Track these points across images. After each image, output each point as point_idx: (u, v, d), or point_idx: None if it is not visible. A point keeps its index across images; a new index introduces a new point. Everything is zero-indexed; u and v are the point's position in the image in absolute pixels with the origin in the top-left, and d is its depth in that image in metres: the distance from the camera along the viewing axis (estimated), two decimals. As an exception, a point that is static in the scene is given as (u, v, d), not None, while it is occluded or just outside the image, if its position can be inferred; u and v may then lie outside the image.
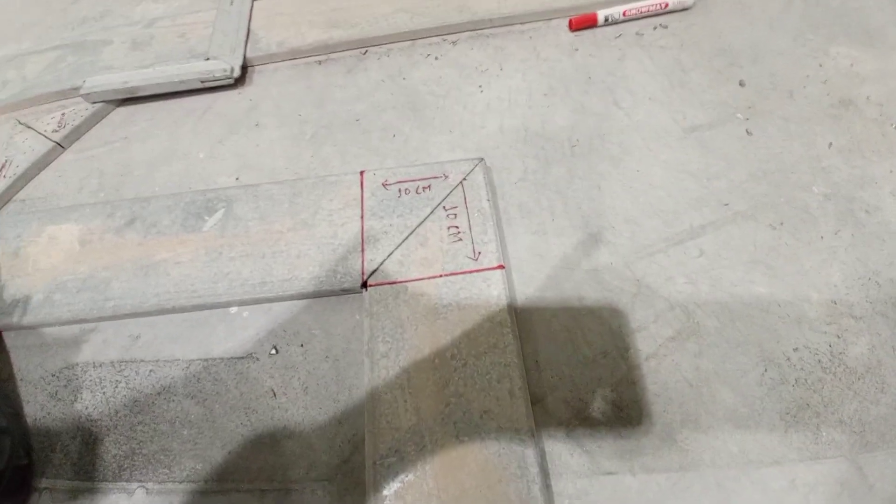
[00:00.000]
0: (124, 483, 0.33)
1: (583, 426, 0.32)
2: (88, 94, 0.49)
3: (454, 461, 0.30)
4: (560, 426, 0.32)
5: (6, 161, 0.48)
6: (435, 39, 0.53)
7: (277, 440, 0.33)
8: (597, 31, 0.52)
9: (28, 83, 0.53)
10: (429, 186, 0.40)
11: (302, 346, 0.36)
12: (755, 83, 0.47)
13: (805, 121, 0.44)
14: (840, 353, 0.34)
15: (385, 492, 0.29)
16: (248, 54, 0.51)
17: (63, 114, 0.50)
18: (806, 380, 0.33)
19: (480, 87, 0.49)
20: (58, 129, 0.49)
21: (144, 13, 0.60)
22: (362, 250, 0.37)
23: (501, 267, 0.36)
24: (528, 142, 0.44)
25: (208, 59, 0.50)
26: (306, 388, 0.35)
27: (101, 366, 0.36)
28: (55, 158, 0.49)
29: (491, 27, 0.53)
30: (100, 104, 0.50)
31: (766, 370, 0.33)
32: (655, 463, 0.31)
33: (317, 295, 0.37)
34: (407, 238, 0.37)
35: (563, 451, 0.32)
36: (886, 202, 0.39)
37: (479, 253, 0.36)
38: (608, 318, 0.35)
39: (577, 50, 0.51)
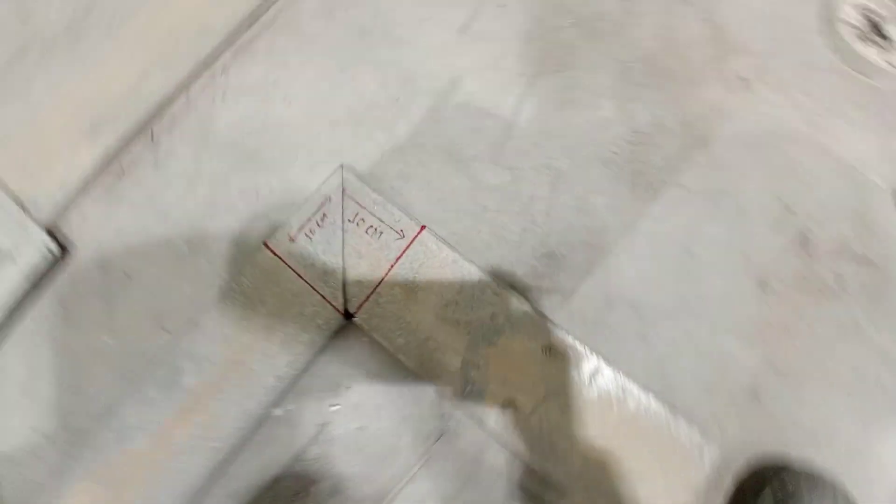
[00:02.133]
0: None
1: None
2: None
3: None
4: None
5: None
6: (204, 79, 0.51)
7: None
8: (333, -19, 0.54)
9: None
10: (324, 215, 0.45)
11: (348, 388, 0.43)
12: (477, -43, 0.55)
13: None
14: (635, 128, 0.50)
15: (485, 415, 0.42)
16: (37, 216, 0.46)
17: None
18: (631, 158, 0.50)
19: (285, 97, 0.51)
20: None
21: None
22: (319, 294, 0.43)
23: (423, 228, 0.45)
24: (362, 118, 0.50)
25: None
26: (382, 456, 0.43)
27: None
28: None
29: (247, 31, 0.52)
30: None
31: (607, 168, 0.49)
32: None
33: (318, 353, 0.43)
34: (345, 262, 0.44)
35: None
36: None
37: (402, 230, 0.45)
38: (530, 217, 0.48)
39: (334, 10, 0.53)
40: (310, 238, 0.45)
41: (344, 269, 0.44)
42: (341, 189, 0.46)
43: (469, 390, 0.42)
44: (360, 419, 0.43)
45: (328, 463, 0.43)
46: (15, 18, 0.52)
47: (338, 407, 0.43)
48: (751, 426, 0.45)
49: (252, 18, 0.53)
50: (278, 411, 0.43)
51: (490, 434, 0.42)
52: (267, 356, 0.43)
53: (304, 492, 0.42)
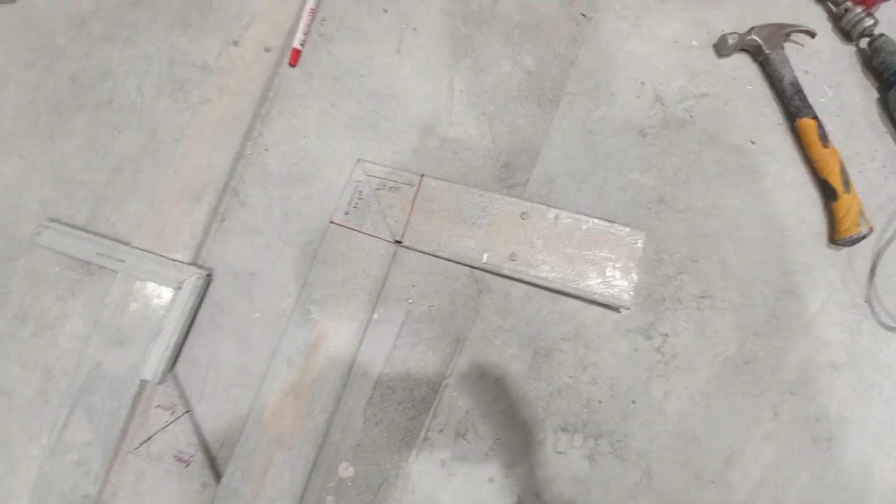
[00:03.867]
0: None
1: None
2: None
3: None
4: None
5: None
6: (251, 144, 0.78)
7: (445, 319, 0.68)
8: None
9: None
10: (360, 191, 0.71)
11: (414, 286, 0.69)
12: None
13: None
14: (527, 70, 0.77)
15: (497, 265, 0.67)
16: (184, 259, 0.72)
17: None
18: (532, 88, 0.76)
19: (304, 135, 0.77)
20: None
21: None
22: (375, 236, 0.69)
23: (423, 175, 0.71)
24: (357, 129, 0.76)
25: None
26: (433, 293, 0.68)
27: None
28: None
29: (263, 106, 0.80)
30: None
31: (519, 101, 0.76)
32: (533, 162, 0.73)
33: (388, 272, 0.69)
34: (384, 212, 0.70)
35: (512, 195, 0.72)
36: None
37: (411, 181, 0.71)
38: (484, 147, 0.74)
39: (311, 72, 0.81)
40: (357, 208, 0.71)
41: (384, 215, 0.70)
42: (363, 172, 0.72)
43: (487, 257, 0.67)
44: (429, 301, 0.68)
45: (417, 333, 0.68)
46: (103, 153, 0.79)
47: (411, 300, 0.68)
48: (661, 220, 0.70)
49: (262, 98, 0.80)
50: (376, 315, 0.68)
51: (509, 277, 0.67)
52: (358, 284, 0.68)
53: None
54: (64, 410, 0.69)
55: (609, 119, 0.74)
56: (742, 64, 0.76)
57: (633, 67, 0.77)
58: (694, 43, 0.78)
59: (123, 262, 0.72)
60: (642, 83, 0.76)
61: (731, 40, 0.74)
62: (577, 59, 0.77)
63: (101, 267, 0.73)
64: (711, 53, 0.78)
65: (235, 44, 0.82)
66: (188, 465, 0.66)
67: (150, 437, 0.67)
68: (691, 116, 0.74)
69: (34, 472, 0.67)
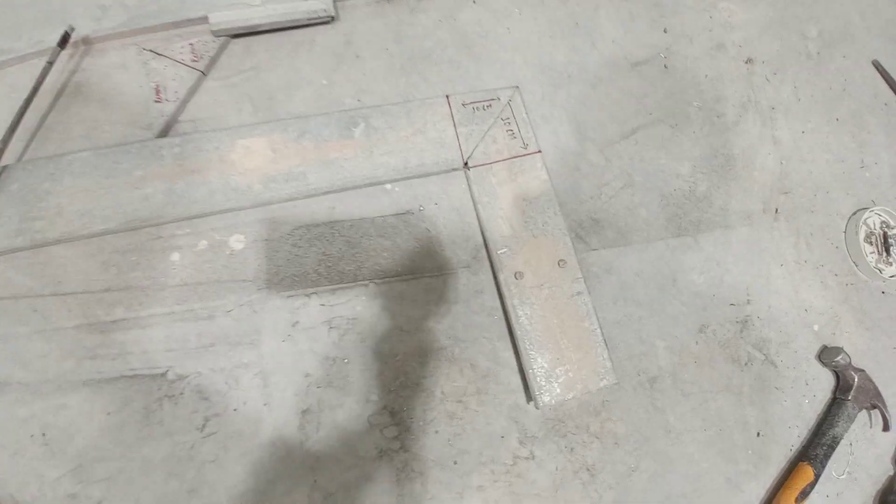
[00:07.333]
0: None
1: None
2: (216, 29, 0.66)
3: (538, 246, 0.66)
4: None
5: (158, 85, 0.66)
6: (471, -11, 0.76)
7: (433, 249, 0.66)
8: (579, -17, 0.80)
9: (136, 11, 0.67)
10: (490, 105, 0.70)
11: (436, 204, 0.67)
12: (672, 31, 0.80)
13: (696, 58, 0.79)
14: (693, 189, 0.74)
15: (503, 270, 0.65)
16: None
17: (192, 44, 0.67)
18: (678, 204, 0.73)
19: (508, 28, 0.75)
20: (196, 59, 0.67)
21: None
22: (459, 145, 0.67)
23: (539, 152, 0.69)
24: (543, 73, 0.74)
25: (307, -1, 0.69)
26: (444, 225, 0.67)
27: (318, 225, 0.64)
28: (200, 86, 0.67)
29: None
30: (222, 38, 0.68)
31: (661, 198, 0.73)
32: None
33: (437, 172, 0.67)
34: (483, 137, 0.68)
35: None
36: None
37: (527, 144, 0.69)
38: (598, 194, 0.71)
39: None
40: (473, 112, 0.69)
41: (482, 140, 0.68)
42: (509, 99, 0.70)
43: (503, 252, 0.65)
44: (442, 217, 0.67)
45: (412, 227, 0.66)
46: None
47: (422, 208, 0.67)
48: (636, 393, 0.67)
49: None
50: (388, 186, 0.67)
51: (497, 283, 0.65)
52: (413, 150, 0.66)
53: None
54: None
55: (696, 291, 0.72)
56: (825, 380, 0.73)
57: (753, 286, 0.73)
58: (815, 327, 0.75)
59: None
60: (749, 300, 0.73)
61: (839, 359, 0.71)
62: (730, 229, 0.74)
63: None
64: (815, 347, 0.74)
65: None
66: (158, 102, 0.66)
67: (160, 52, 0.67)
68: (745, 364, 0.71)
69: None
